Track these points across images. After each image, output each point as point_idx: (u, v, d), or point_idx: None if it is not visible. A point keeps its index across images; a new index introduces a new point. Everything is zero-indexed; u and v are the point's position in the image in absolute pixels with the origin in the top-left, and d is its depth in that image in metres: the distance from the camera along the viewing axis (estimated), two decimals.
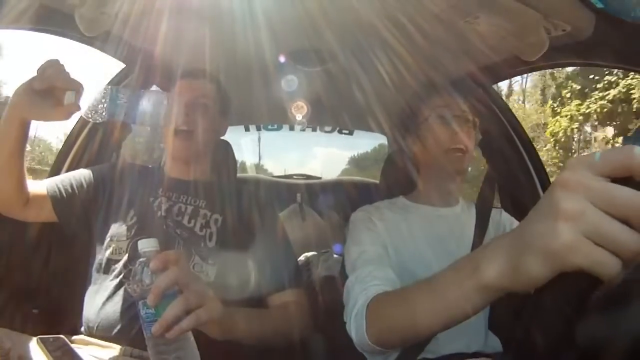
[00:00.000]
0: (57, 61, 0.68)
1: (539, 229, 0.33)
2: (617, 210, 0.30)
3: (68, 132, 1.20)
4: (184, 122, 0.87)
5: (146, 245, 0.58)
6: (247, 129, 1.86)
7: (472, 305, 0.42)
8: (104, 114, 0.69)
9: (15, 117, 0.72)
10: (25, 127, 0.74)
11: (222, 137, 1.06)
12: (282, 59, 1.16)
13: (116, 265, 0.81)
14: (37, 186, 0.84)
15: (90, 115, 0.70)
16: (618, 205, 0.29)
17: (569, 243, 0.30)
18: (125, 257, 0.81)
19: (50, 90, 0.67)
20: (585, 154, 0.36)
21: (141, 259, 0.58)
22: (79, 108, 0.68)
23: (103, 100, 0.69)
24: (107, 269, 0.82)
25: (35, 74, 0.68)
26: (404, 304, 0.55)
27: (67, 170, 1.09)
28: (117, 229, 0.85)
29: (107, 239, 0.84)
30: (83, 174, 0.91)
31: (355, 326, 0.63)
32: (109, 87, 0.70)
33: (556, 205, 0.31)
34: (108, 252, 0.83)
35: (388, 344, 0.61)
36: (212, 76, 0.95)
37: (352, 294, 0.69)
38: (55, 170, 1.11)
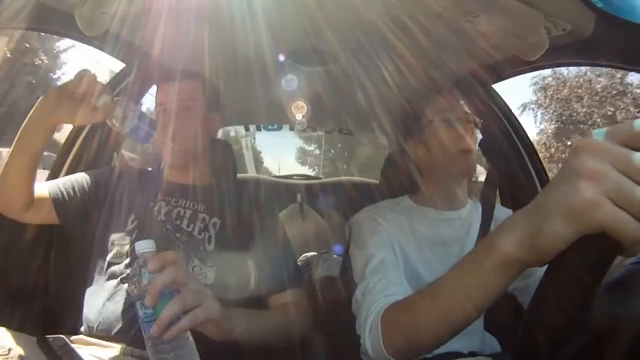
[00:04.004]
0: (89, 70, 0.73)
1: (560, 191, 0.34)
2: (637, 175, 0.30)
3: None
4: (174, 132, 0.86)
5: (143, 246, 0.58)
6: (247, 129, 1.86)
7: (495, 287, 0.40)
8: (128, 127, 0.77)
9: (45, 120, 0.76)
10: (52, 130, 0.77)
11: (221, 138, 1.06)
12: (282, 58, 1.16)
13: (117, 268, 0.81)
14: (39, 188, 0.85)
15: (116, 124, 0.76)
16: (638, 170, 0.30)
17: (591, 200, 0.31)
18: (127, 261, 0.81)
19: (81, 96, 0.72)
20: None
21: (139, 260, 0.58)
22: (114, 108, 0.74)
23: (132, 116, 0.76)
24: (108, 272, 0.82)
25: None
26: (419, 309, 0.51)
27: (67, 172, 1.09)
28: (118, 233, 0.85)
29: (109, 243, 0.85)
30: (84, 177, 0.92)
31: (371, 340, 0.60)
32: (138, 107, 0.78)
33: (578, 166, 0.32)
34: (109, 256, 0.83)
35: (408, 354, 0.57)
36: (192, 74, 0.92)
37: (364, 306, 0.66)
38: (55, 172, 1.11)
